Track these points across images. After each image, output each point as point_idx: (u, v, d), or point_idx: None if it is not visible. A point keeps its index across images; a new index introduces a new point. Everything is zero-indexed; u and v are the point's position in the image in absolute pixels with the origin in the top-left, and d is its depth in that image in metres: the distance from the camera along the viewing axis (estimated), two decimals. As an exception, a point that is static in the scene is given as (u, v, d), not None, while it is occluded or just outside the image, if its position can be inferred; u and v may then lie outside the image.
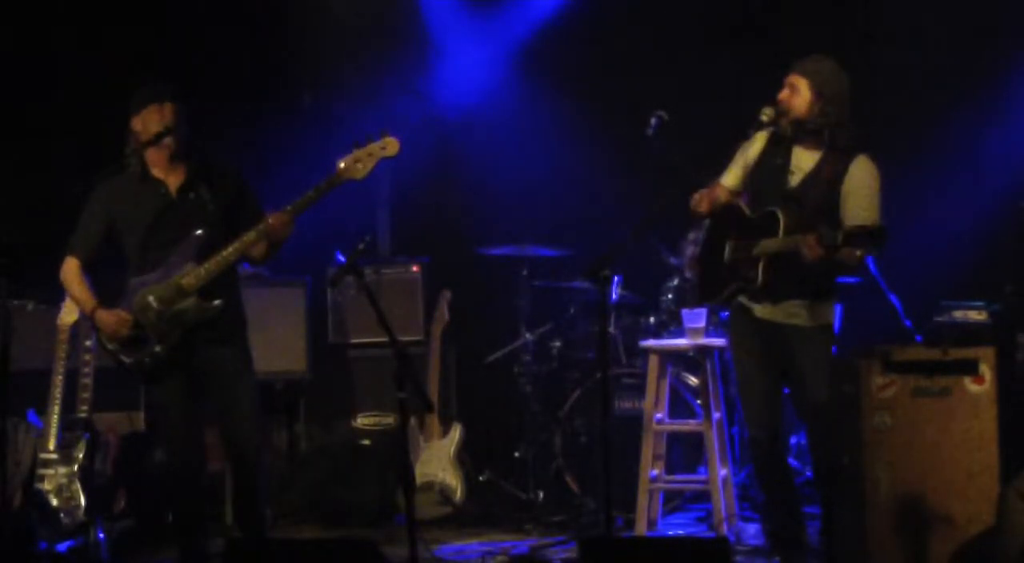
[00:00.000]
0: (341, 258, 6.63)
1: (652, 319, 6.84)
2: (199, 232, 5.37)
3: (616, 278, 6.75)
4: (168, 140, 5.37)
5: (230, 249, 5.35)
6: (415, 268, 7.33)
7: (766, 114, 5.35)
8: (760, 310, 5.37)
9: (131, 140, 5.46)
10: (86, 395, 5.98)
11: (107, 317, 5.37)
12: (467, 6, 8.01)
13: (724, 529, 6.03)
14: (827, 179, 5.28)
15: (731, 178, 5.57)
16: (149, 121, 5.40)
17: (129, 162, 5.45)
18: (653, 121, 6.13)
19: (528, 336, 7.14)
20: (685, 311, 6.28)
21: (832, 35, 7.30)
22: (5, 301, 5.03)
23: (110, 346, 5.41)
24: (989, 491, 4.89)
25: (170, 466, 5.52)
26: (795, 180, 5.34)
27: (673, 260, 6.93)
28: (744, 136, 5.43)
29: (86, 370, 5.99)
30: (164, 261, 5.38)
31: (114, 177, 5.49)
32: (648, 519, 6.20)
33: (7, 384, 4.96)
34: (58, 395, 5.96)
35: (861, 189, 5.24)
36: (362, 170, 5.27)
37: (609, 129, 7.58)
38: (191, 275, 5.33)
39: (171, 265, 5.37)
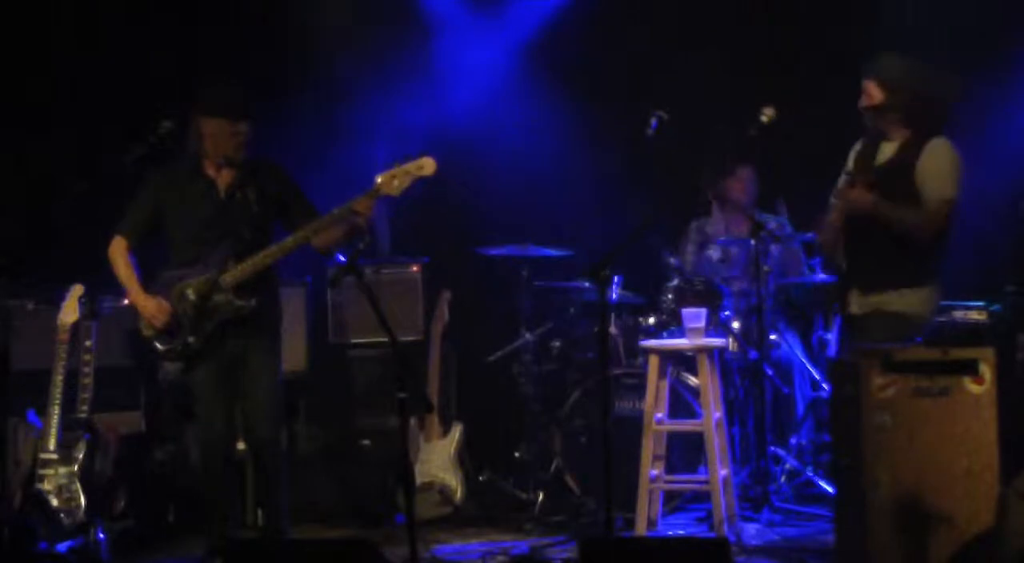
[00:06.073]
0: (341, 258, 6.61)
1: (652, 319, 6.83)
2: (241, 234, 5.55)
3: (616, 278, 6.75)
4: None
5: (268, 252, 5.57)
6: (415, 268, 7.33)
7: (767, 114, 5.34)
8: (854, 305, 5.47)
9: (193, 133, 5.62)
10: (86, 395, 5.98)
11: (148, 303, 5.57)
12: (468, 6, 8.00)
13: (724, 529, 6.02)
14: (903, 165, 5.42)
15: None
16: (221, 134, 5.57)
17: (185, 154, 5.64)
18: (653, 121, 6.14)
19: (528, 336, 7.13)
20: (685, 311, 6.27)
21: (832, 35, 7.31)
22: (5, 301, 5.04)
23: (146, 332, 5.61)
24: (989, 491, 4.88)
25: (203, 446, 5.76)
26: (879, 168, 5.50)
27: (673, 260, 6.92)
28: (745, 136, 5.42)
29: (86, 370, 5.99)
30: (205, 257, 5.57)
31: (167, 166, 5.68)
32: (648, 519, 6.19)
33: (7, 384, 4.96)
34: (58, 395, 5.96)
35: (932, 170, 5.40)
36: (398, 187, 5.47)
37: (609, 129, 7.57)
38: (228, 273, 5.53)
39: (211, 262, 5.56)
